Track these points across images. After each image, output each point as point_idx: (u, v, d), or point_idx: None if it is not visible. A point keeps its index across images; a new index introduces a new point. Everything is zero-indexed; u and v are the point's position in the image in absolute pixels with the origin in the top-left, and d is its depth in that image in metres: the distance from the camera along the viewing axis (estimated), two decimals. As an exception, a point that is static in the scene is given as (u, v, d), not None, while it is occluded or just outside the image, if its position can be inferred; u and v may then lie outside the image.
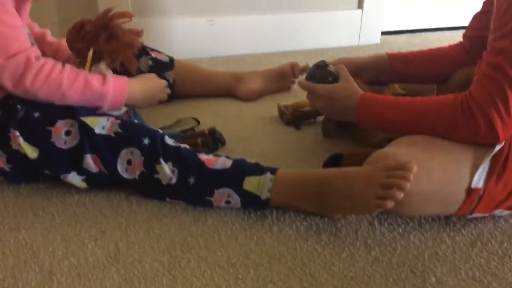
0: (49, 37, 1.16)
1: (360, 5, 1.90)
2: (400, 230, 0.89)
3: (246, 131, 1.25)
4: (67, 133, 0.91)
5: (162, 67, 1.33)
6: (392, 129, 0.93)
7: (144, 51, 1.32)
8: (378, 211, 0.85)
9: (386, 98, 0.95)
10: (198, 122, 1.24)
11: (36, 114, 0.92)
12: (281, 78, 1.45)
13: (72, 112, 0.92)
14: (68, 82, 0.92)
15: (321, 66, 1.04)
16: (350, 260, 0.81)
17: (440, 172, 0.81)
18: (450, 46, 1.19)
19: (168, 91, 1.18)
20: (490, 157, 0.81)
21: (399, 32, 2.12)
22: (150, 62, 1.32)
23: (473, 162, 0.82)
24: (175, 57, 1.37)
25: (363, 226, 0.89)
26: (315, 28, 1.86)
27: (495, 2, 0.83)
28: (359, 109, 0.94)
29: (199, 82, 1.40)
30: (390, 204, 0.77)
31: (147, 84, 1.09)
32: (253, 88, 1.41)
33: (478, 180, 0.81)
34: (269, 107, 1.35)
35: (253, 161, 0.95)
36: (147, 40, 1.42)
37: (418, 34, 2.12)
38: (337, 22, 1.89)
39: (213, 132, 1.14)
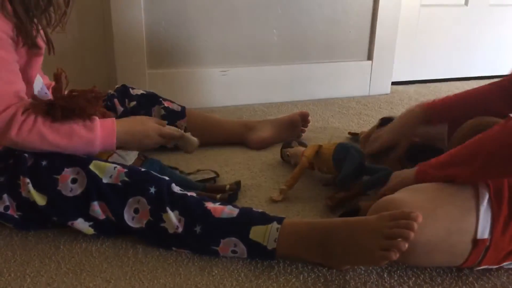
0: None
1: (370, 56, 1.94)
2: (411, 283, 0.86)
3: (255, 179, 1.25)
4: (73, 181, 0.93)
5: (174, 116, 1.35)
6: (465, 182, 0.85)
7: (157, 100, 1.35)
8: (384, 263, 0.83)
9: (440, 159, 0.89)
10: (217, 175, 1.24)
11: (44, 163, 0.94)
12: (291, 127, 1.46)
13: (79, 160, 0.94)
14: (51, 133, 0.93)
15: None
16: (358, 314, 0.79)
17: (445, 221, 0.79)
18: (485, 86, 1.15)
19: (165, 141, 1.12)
20: (485, 205, 0.80)
21: (410, 82, 2.14)
22: (163, 111, 1.35)
23: (478, 210, 0.80)
24: (188, 106, 1.40)
25: (372, 278, 0.87)
26: (325, 78, 1.89)
27: None
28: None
29: (210, 130, 1.42)
30: (394, 256, 0.76)
31: (136, 127, 1.06)
32: (262, 137, 1.43)
33: (483, 231, 0.79)
34: (279, 156, 1.36)
35: (261, 210, 0.95)
36: (162, 90, 1.47)
37: (428, 84, 2.14)
38: (347, 72, 1.92)
39: (233, 189, 1.14)
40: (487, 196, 0.81)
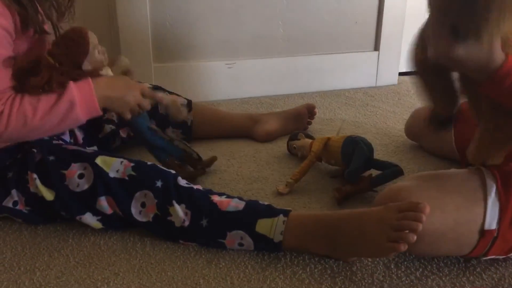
0: None
1: (376, 47, 1.92)
2: (418, 274, 0.86)
3: (262, 172, 1.25)
4: (80, 176, 0.94)
5: None
6: None
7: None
8: (392, 255, 0.83)
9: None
10: (199, 159, 1.21)
11: (51, 158, 0.94)
12: (297, 119, 1.46)
13: (86, 155, 0.95)
14: (31, 110, 0.89)
15: None
16: (365, 305, 0.79)
17: (453, 211, 0.79)
18: None
19: (146, 104, 1.04)
20: (493, 196, 0.79)
21: (417, 72, 2.12)
22: None
23: (485, 201, 0.80)
24: (194, 100, 1.40)
25: (379, 270, 0.87)
26: (332, 69, 1.88)
27: None
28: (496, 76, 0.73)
29: (216, 123, 1.42)
30: (403, 248, 0.76)
31: (116, 81, 1.01)
32: (269, 129, 1.42)
33: (491, 221, 0.79)
34: (285, 148, 1.35)
35: (267, 202, 0.95)
36: (168, 84, 1.47)
37: (436, 74, 2.12)
38: (354, 63, 1.91)
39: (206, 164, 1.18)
40: (494, 187, 0.80)
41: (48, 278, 0.86)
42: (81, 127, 1.14)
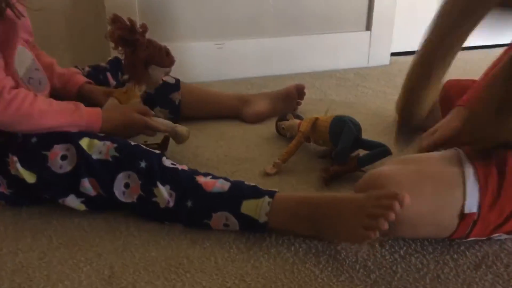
0: (58, 67, 1.18)
1: (368, 26, 1.90)
2: (402, 252, 0.86)
3: (250, 152, 1.24)
4: (63, 157, 0.92)
5: (168, 88, 1.34)
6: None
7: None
8: (364, 241, 0.84)
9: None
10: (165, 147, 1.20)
11: (34, 139, 0.93)
12: (286, 100, 1.44)
13: (69, 136, 0.93)
14: (38, 113, 0.92)
15: None
16: (348, 284, 0.79)
17: (432, 195, 0.79)
18: None
19: (151, 133, 1.11)
20: (471, 180, 0.79)
21: (409, 53, 2.10)
22: None
23: (464, 185, 0.79)
24: (184, 81, 1.39)
25: (363, 248, 0.87)
26: (323, 50, 1.86)
27: None
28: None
29: (205, 103, 1.41)
30: (373, 235, 0.76)
31: (120, 118, 1.04)
32: (258, 110, 1.41)
33: (471, 205, 0.79)
34: (274, 129, 1.34)
35: (255, 183, 0.94)
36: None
37: (428, 54, 2.10)
38: (345, 43, 1.89)
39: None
40: (472, 172, 0.80)
41: (30, 259, 0.85)
42: None
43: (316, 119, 1.18)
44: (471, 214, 0.79)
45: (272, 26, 1.79)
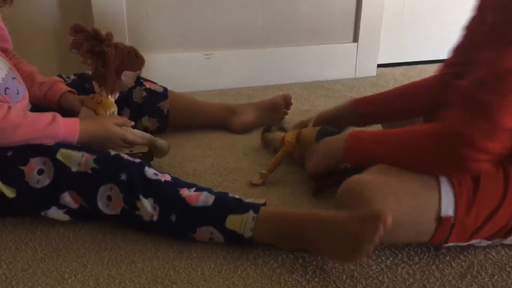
0: (39, 76, 1.16)
1: (355, 38, 1.92)
2: (388, 262, 0.86)
3: (237, 162, 1.24)
4: (40, 172, 0.91)
5: (156, 97, 1.33)
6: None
7: (138, 81, 1.33)
8: (350, 264, 0.85)
9: (374, 132, 0.95)
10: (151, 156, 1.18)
11: (9, 153, 0.92)
12: (273, 110, 1.45)
13: (45, 149, 0.92)
14: (12, 126, 0.91)
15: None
16: (335, 294, 0.79)
17: (409, 198, 0.80)
18: (425, 80, 1.16)
19: (129, 147, 1.10)
20: (445, 183, 0.81)
21: (396, 64, 2.13)
22: (144, 93, 1.32)
23: (439, 188, 0.81)
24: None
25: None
26: (311, 61, 1.88)
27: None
28: (347, 145, 0.92)
29: (193, 113, 1.41)
30: (359, 259, 0.78)
31: (98, 130, 1.03)
32: (245, 120, 1.41)
33: (446, 208, 0.80)
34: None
35: (242, 193, 0.93)
36: (145, 75, 1.44)
37: (414, 66, 2.13)
38: (332, 55, 1.90)
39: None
40: (446, 177, 0.82)
41: (14, 270, 0.84)
42: None
43: (300, 131, 1.18)
44: (447, 218, 0.80)
45: (260, 37, 1.80)
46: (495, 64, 0.75)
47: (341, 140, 0.94)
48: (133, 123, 1.12)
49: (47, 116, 0.96)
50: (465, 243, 0.85)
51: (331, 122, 1.18)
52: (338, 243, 0.80)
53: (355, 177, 0.85)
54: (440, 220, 0.80)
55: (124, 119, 1.10)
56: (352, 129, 0.97)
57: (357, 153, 0.92)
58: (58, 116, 0.98)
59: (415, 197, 0.81)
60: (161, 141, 1.15)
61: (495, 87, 0.75)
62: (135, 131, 1.13)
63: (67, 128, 0.97)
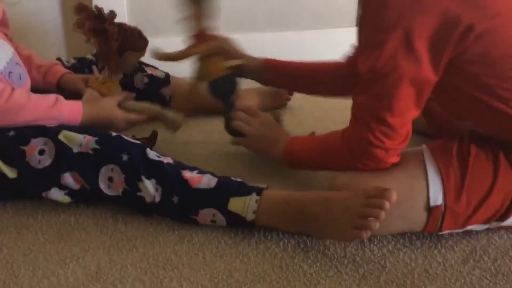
0: (37, 59, 1.16)
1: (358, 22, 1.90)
2: (390, 247, 0.86)
3: (239, 148, 1.23)
4: (41, 152, 0.91)
5: (157, 83, 1.33)
6: (318, 168, 1.01)
7: (139, 67, 1.32)
8: (354, 240, 0.85)
9: (308, 139, 0.99)
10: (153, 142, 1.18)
11: (11, 133, 0.92)
12: (276, 95, 1.44)
13: (47, 130, 0.92)
14: (16, 107, 0.91)
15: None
16: (336, 279, 0.79)
17: (395, 188, 0.78)
18: (335, 63, 1.18)
19: (140, 119, 1.09)
20: (432, 171, 0.81)
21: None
22: (146, 79, 1.32)
23: (426, 176, 0.81)
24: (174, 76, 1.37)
25: (352, 243, 0.87)
26: (314, 45, 1.85)
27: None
28: (285, 160, 1.00)
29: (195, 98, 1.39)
30: (365, 235, 0.77)
31: (101, 114, 1.03)
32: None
33: (435, 197, 0.80)
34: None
35: (243, 179, 0.93)
36: (148, 60, 1.43)
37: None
38: (335, 39, 1.88)
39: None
40: (432, 165, 0.82)
41: (15, 255, 0.84)
42: None
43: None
44: (437, 207, 0.80)
45: (263, 22, 1.78)
46: (373, 69, 0.78)
47: (280, 151, 1.00)
48: (133, 94, 1.13)
49: (50, 98, 0.96)
50: (461, 230, 0.85)
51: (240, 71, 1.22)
52: (343, 221, 0.79)
53: (345, 173, 0.87)
54: (430, 209, 0.80)
55: (125, 94, 1.10)
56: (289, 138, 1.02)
57: (293, 164, 1.00)
58: (61, 98, 0.98)
59: (401, 186, 0.81)
60: (173, 113, 1.11)
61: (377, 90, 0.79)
62: (140, 104, 1.11)
63: (70, 110, 0.97)
